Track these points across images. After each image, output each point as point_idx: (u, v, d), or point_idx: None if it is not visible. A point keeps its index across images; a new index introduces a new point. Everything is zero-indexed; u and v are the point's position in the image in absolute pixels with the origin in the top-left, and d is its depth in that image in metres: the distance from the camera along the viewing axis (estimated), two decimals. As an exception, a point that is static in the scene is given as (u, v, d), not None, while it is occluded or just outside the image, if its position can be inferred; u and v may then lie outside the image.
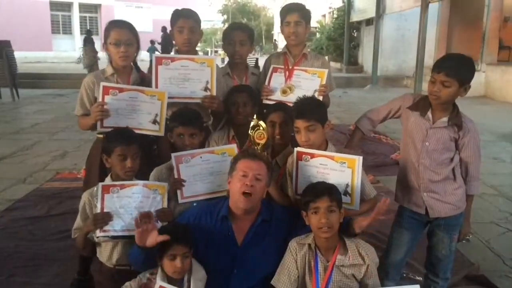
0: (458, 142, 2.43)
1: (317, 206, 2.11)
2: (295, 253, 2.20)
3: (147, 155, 2.82)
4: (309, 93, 2.81)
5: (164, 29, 18.00)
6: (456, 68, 2.29)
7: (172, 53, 3.10)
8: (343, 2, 20.95)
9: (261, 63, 3.60)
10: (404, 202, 2.59)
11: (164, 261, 2.14)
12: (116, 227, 2.34)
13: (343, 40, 19.96)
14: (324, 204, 2.10)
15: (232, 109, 2.87)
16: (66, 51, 25.39)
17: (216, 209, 2.37)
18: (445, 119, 2.41)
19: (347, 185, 2.34)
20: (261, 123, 2.53)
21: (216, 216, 2.34)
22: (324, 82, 2.93)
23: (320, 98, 2.84)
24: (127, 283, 2.22)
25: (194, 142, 2.63)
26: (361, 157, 2.34)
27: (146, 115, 2.72)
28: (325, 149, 2.46)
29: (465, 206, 2.52)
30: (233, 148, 2.64)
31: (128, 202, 2.37)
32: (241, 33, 3.13)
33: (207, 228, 2.32)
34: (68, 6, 29.63)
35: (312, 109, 2.43)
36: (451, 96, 2.33)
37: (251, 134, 2.53)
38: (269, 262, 2.27)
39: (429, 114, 2.44)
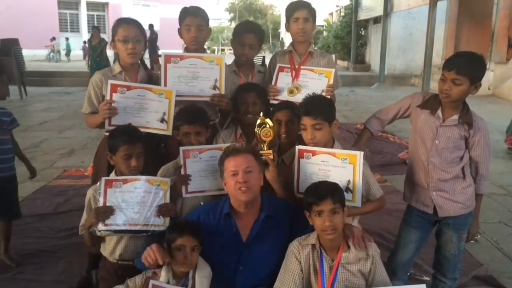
0: (468, 140, 2.41)
1: (320, 209, 2.06)
2: (298, 254, 2.16)
3: (154, 153, 2.82)
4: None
5: (151, 26, 18.08)
6: (467, 65, 2.26)
7: (181, 51, 3.08)
8: (350, 0, 20.88)
9: (268, 61, 3.59)
10: (412, 201, 2.58)
11: (172, 251, 2.16)
12: (118, 221, 2.35)
13: (350, 38, 19.92)
14: (328, 206, 2.05)
15: (241, 108, 2.85)
16: (74, 49, 25.55)
17: (218, 208, 2.37)
18: (456, 117, 2.38)
19: (349, 181, 2.32)
20: (268, 121, 2.50)
21: (219, 215, 2.34)
22: (331, 82, 2.90)
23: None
24: (132, 278, 2.24)
25: (200, 140, 2.62)
26: (362, 153, 2.32)
27: (154, 114, 2.71)
28: (331, 148, 2.43)
29: (474, 206, 2.50)
30: None
31: (130, 196, 2.37)
32: (253, 37, 3.09)
33: (211, 227, 2.32)
34: (76, 5, 29.81)
35: (320, 107, 2.39)
36: (462, 94, 2.31)
37: (257, 132, 2.51)
38: (274, 258, 2.26)
39: (439, 112, 2.41)
